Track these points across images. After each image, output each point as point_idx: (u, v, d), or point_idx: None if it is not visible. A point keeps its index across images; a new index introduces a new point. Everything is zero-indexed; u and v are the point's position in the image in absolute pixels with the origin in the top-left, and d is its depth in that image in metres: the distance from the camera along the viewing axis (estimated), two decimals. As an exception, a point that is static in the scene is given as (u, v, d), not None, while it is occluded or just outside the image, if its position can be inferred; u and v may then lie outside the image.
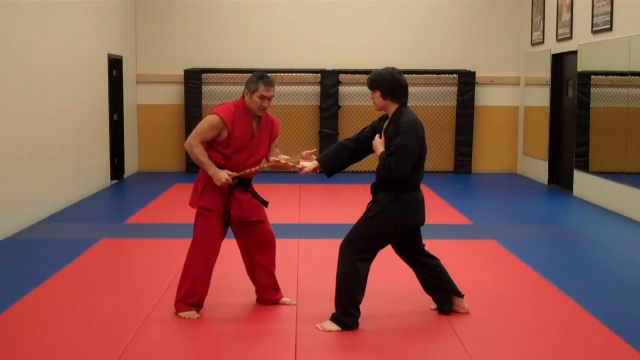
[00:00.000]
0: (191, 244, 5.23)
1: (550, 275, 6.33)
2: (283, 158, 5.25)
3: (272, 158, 5.23)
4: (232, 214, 5.16)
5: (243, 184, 5.21)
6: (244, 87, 5.18)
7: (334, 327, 4.94)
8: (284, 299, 5.46)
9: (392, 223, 4.95)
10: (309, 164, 5.13)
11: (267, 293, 5.41)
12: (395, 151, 4.80)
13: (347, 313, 4.94)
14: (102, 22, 11.36)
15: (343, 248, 5.01)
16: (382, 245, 5.05)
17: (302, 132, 13.28)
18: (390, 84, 4.94)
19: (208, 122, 5.06)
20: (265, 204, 5.36)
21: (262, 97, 5.09)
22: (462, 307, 5.27)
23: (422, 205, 5.06)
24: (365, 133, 5.18)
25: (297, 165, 5.16)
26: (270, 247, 5.39)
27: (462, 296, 5.29)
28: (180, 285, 5.21)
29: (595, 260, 7.23)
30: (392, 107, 4.98)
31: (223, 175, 5.04)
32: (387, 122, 5.01)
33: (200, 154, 5.05)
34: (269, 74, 5.29)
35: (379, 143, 4.98)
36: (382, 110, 5.05)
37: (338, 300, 4.98)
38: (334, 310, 4.99)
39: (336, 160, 5.15)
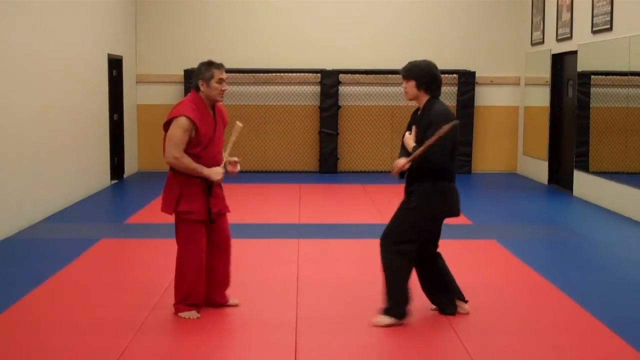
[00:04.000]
0: (179, 249, 5.19)
1: (550, 275, 6.33)
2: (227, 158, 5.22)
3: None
4: (213, 211, 5.15)
5: None
6: (195, 80, 5.10)
7: (388, 320, 4.98)
8: (231, 301, 5.41)
9: (431, 214, 5.00)
10: (404, 161, 4.92)
11: (215, 294, 5.32)
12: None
13: (397, 305, 4.98)
14: (102, 22, 11.36)
15: (383, 241, 5.06)
16: (422, 237, 5.08)
17: (302, 132, 13.27)
18: (427, 75, 5.01)
19: (180, 127, 4.94)
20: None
21: (220, 81, 5.08)
22: (462, 309, 5.28)
23: (458, 196, 5.11)
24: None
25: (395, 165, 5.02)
26: (227, 244, 5.33)
27: (466, 302, 5.30)
28: (177, 289, 5.19)
29: (595, 260, 7.23)
30: (424, 99, 5.04)
31: (218, 171, 5.05)
32: (419, 113, 5.07)
33: (189, 162, 4.98)
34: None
35: (408, 138, 5.04)
36: (413, 100, 5.10)
37: (387, 292, 5.01)
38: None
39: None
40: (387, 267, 5.01)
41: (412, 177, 5.02)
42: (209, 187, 5.11)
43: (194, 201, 5.08)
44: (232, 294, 5.61)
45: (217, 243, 5.28)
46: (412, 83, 5.02)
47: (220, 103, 5.24)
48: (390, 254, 4.99)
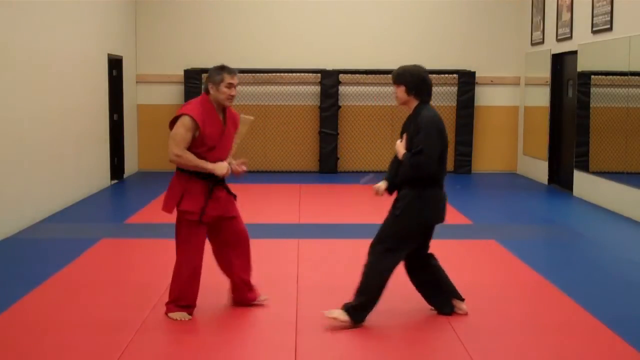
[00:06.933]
0: (178, 249, 5.18)
1: (550, 275, 6.33)
2: (233, 163, 5.21)
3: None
4: (211, 214, 5.11)
5: (221, 179, 5.17)
6: (206, 83, 5.14)
7: (343, 317, 4.94)
8: (260, 298, 5.44)
9: (416, 222, 4.98)
10: (382, 185, 5.13)
11: (242, 292, 5.36)
12: (421, 149, 4.83)
13: (361, 307, 4.96)
14: (102, 22, 11.37)
15: (372, 247, 5.04)
16: (410, 243, 5.06)
17: (302, 132, 13.27)
18: (417, 80, 5.02)
19: (183, 125, 4.98)
20: (234, 196, 5.31)
21: (229, 86, 5.10)
22: (460, 309, 5.27)
23: (445, 203, 5.09)
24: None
25: (373, 187, 5.15)
26: (245, 243, 5.33)
27: (462, 300, 5.28)
28: (172, 289, 5.18)
29: (595, 260, 7.22)
30: (413, 104, 5.06)
31: (223, 165, 5.03)
32: (407, 119, 5.07)
33: (192, 158, 4.98)
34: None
35: (399, 146, 5.05)
36: (404, 105, 5.11)
37: (359, 293, 4.97)
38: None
39: (395, 176, 5.15)
40: (368, 271, 4.98)
41: (401, 183, 5.03)
42: (210, 189, 5.09)
43: (195, 201, 5.07)
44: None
45: (234, 244, 5.28)
46: (403, 88, 5.04)
47: (232, 108, 5.26)
48: (376, 260, 4.97)
